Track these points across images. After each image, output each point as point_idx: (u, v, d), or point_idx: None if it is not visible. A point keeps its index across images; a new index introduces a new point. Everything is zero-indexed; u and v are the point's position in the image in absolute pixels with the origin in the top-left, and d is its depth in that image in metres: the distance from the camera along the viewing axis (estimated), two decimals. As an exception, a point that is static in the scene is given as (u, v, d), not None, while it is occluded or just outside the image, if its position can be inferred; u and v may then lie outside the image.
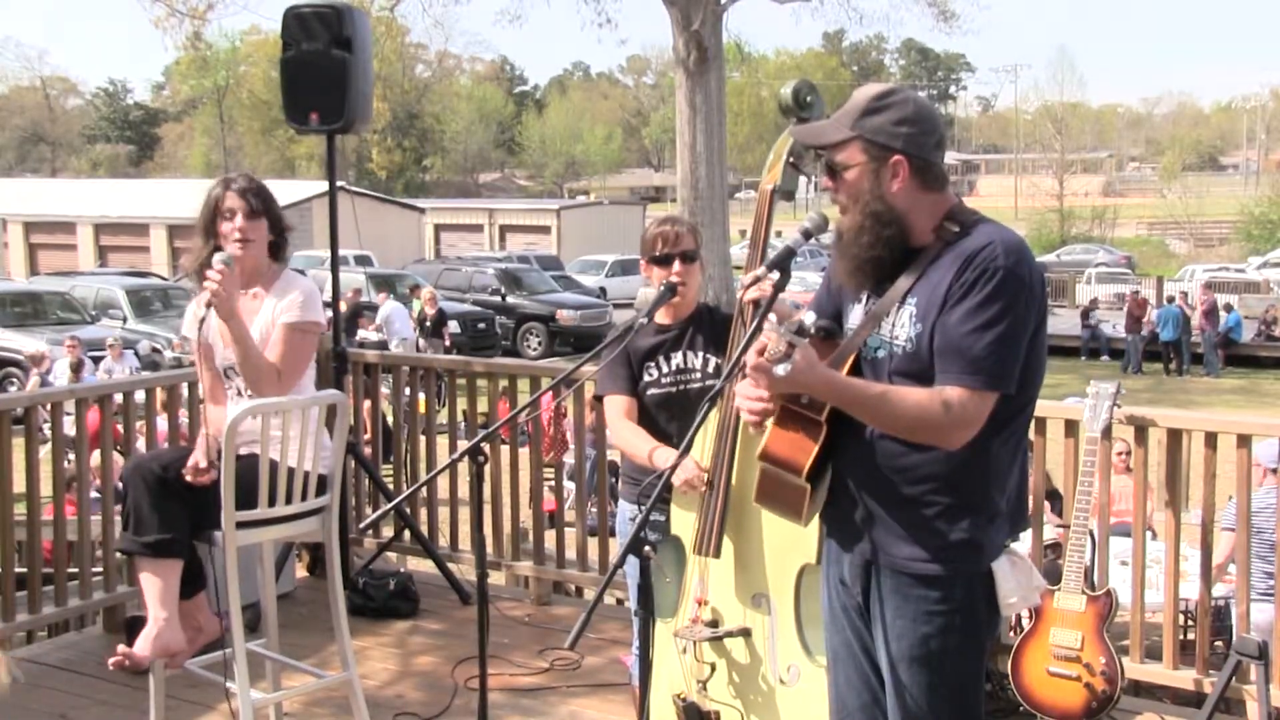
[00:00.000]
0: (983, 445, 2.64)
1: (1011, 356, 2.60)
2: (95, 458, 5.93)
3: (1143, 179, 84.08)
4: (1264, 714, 4.12)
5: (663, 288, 3.78)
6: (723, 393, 2.81)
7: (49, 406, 5.47)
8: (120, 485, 6.11)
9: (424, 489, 6.02)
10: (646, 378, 3.84)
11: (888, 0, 37.43)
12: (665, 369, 3.84)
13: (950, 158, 3.29)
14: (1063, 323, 28.02)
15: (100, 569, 5.43)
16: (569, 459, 10.86)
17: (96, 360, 17.97)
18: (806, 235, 2.90)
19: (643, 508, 2.91)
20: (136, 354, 19.63)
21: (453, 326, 23.50)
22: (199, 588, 4.07)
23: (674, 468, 2.94)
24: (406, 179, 71.95)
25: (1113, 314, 29.84)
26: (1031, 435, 4.46)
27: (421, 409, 6.49)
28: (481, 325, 26.36)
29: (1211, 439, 4.45)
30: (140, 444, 6.35)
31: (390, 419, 7.22)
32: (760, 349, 2.51)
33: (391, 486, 6.38)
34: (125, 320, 22.87)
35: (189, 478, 3.85)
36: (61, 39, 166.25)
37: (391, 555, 6.40)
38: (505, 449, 6.14)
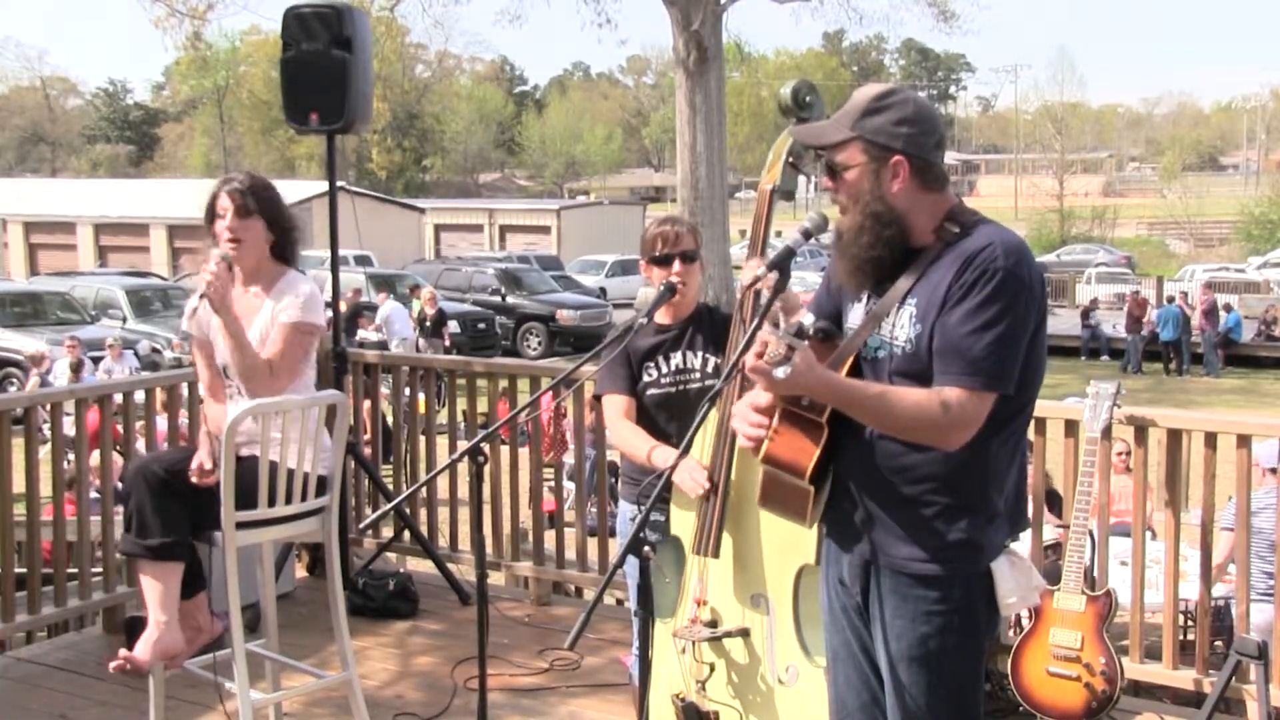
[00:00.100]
0: (982, 445, 2.64)
1: (1011, 357, 2.60)
2: (95, 458, 5.93)
3: (1143, 179, 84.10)
4: (1264, 714, 4.12)
5: (662, 288, 3.78)
6: (722, 393, 2.81)
7: (49, 406, 5.47)
8: (120, 486, 6.13)
9: (424, 489, 6.02)
10: (646, 378, 3.84)
11: (888, 0, 37.43)
12: (665, 369, 3.84)
13: (950, 158, 3.30)
14: (1063, 323, 28.03)
15: (100, 569, 5.43)
16: (569, 459, 10.86)
17: (96, 360, 17.98)
18: (806, 235, 2.90)
19: (643, 508, 2.91)
20: (136, 354, 19.63)
21: (453, 326, 23.50)
22: (199, 588, 4.07)
23: (674, 467, 2.94)
24: (406, 179, 71.97)
25: (1113, 314, 29.86)
26: (1031, 435, 4.46)
27: (421, 409, 6.49)
28: (481, 325, 26.36)
29: (1211, 439, 4.45)
30: (140, 444, 6.35)
31: (390, 419, 7.22)
32: (760, 351, 2.52)
33: (391, 487, 6.38)
34: (125, 320, 22.87)
35: (194, 479, 3.85)
36: (61, 39, 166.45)
37: (391, 555, 6.40)
38: (505, 449, 6.14)
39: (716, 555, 3.44)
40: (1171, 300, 27.43)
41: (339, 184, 6.23)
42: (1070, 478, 4.67)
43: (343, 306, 7.59)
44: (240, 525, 3.81)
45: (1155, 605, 4.98)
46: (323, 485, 4.03)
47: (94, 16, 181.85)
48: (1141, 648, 4.62)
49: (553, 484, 11.01)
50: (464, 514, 4.95)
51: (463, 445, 3.67)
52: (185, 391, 5.66)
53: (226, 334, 3.88)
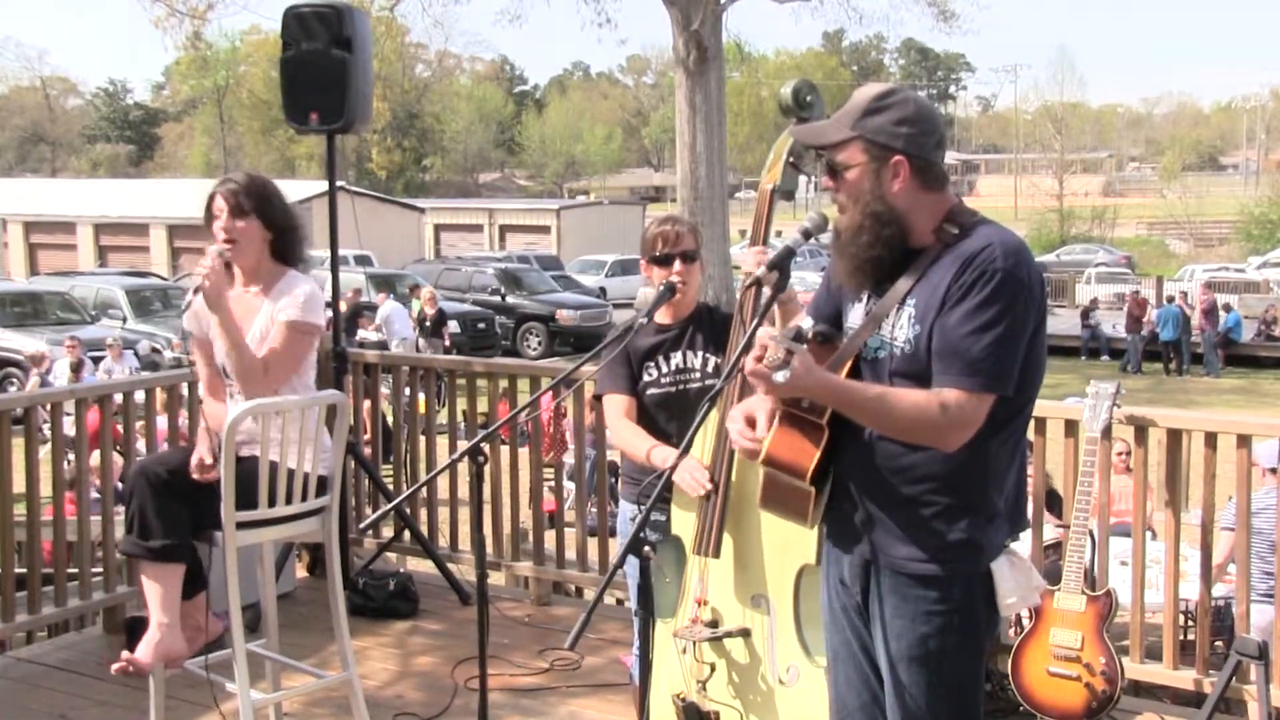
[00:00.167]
0: (981, 446, 2.64)
1: (1010, 358, 2.61)
2: (95, 458, 5.93)
3: (1143, 179, 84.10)
4: (1264, 714, 4.12)
5: (662, 287, 3.78)
6: (722, 393, 2.81)
7: (49, 406, 5.47)
8: (120, 486, 6.13)
9: (424, 489, 6.02)
10: (646, 377, 3.84)
11: (888, 0, 37.43)
12: (665, 369, 3.84)
13: (950, 158, 3.28)
14: (1063, 323, 28.05)
15: (100, 569, 5.43)
16: (569, 459, 10.87)
17: (96, 360, 17.98)
18: (806, 235, 2.90)
19: (643, 508, 2.91)
20: (136, 354, 19.64)
21: (453, 326, 23.51)
22: (200, 588, 4.07)
23: (674, 467, 2.94)
24: (406, 179, 71.98)
25: (1113, 314, 29.86)
26: (1031, 435, 4.46)
27: (421, 409, 6.49)
28: (481, 325, 26.37)
29: (1211, 439, 4.45)
30: (140, 444, 6.35)
31: (390, 419, 7.22)
32: (759, 355, 2.52)
33: (391, 487, 6.38)
34: (125, 320, 22.87)
35: (195, 475, 3.85)
36: (61, 39, 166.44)
37: (391, 555, 6.40)
38: (505, 449, 6.14)
39: (717, 555, 3.44)
40: (1171, 300, 27.44)
41: (339, 184, 6.23)
42: (1070, 478, 4.67)
43: (343, 306, 7.58)
44: (240, 525, 3.81)
45: (1155, 605, 4.98)
46: (323, 485, 4.03)
47: (94, 17, 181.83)
48: (1142, 648, 4.62)
49: (553, 484, 11.01)
50: (464, 514, 4.95)
51: (463, 445, 3.67)
52: (185, 391, 5.66)
53: (222, 331, 3.88)
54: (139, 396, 5.80)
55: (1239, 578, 4.50)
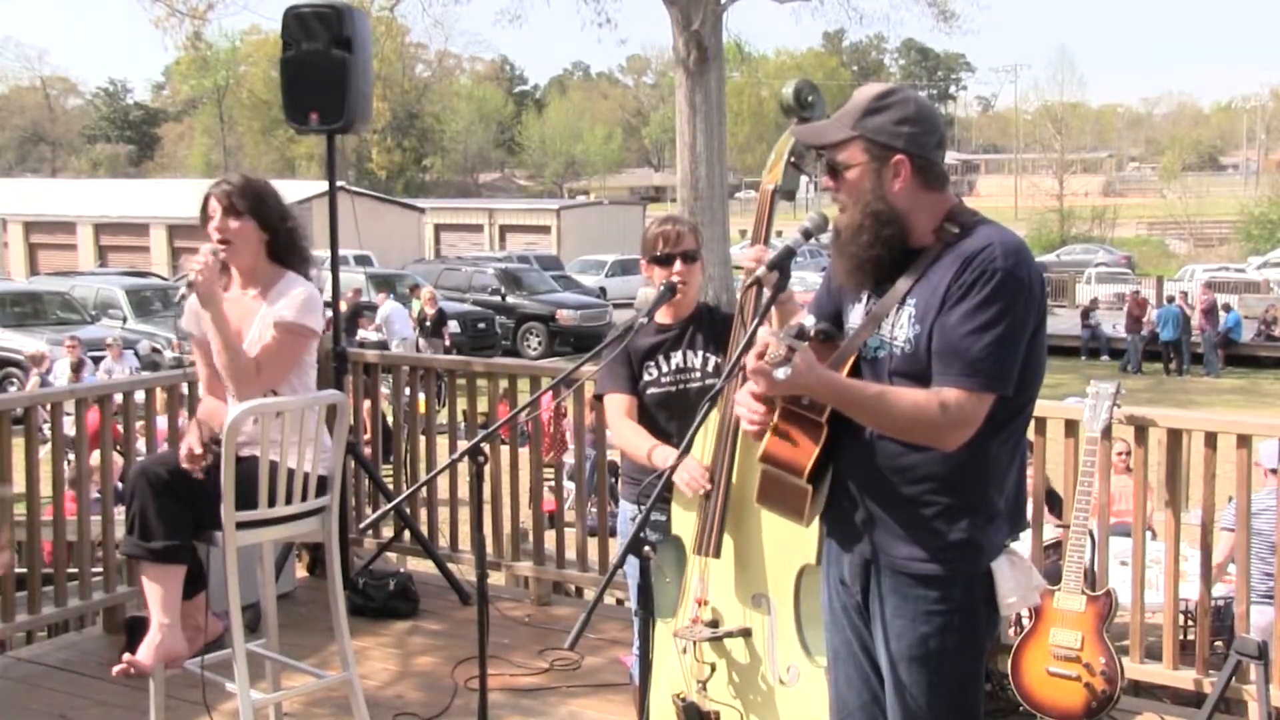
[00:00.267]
0: (981, 446, 2.64)
1: (1010, 358, 2.61)
2: (95, 458, 5.93)
3: (1143, 179, 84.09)
4: (1264, 714, 4.12)
5: (663, 287, 3.78)
6: (723, 392, 2.81)
7: (49, 406, 5.47)
8: (120, 486, 6.14)
9: (424, 489, 6.02)
10: (646, 377, 3.84)
11: (888, 0, 37.42)
12: (665, 368, 3.84)
13: (950, 158, 3.27)
14: (1063, 323, 28.05)
15: (100, 569, 5.43)
16: (569, 459, 10.87)
17: (96, 360, 17.98)
18: (806, 235, 2.90)
19: (643, 507, 2.91)
20: (136, 354, 19.64)
21: (453, 326, 23.51)
22: (200, 588, 4.07)
23: (674, 467, 2.94)
24: (406, 179, 71.99)
25: (1113, 314, 29.86)
26: (1031, 435, 4.46)
27: (421, 409, 6.49)
28: (481, 325, 26.36)
29: (1211, 439, 4.45)
30: (140, 444, 6.35)
31: (390, 419, 7.22)
32: (760, 352, 2.52)
33: (391, 486, 6.38)
34: (125, 320, 22.87)
35: (184, 464, 3.86)
36: (61, 39, 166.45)
37: (391, 555, 6.40)
38: (505, 449, 6.14)
39: (718, 555, 3.44)
40: (1171, 300, 27.44)
41: (339, 184, 6.23)
42: (1070, 478, 4.67)
43: (343, 306, 7.58)
44: (240, 525, 3.80)
45: (1155, 605, 4.98)
46: (323, 485, 4.03)
47: (94, 17, 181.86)
48: (1142, 648, 4.62)
49: (553, 484, 11.01)
50: (464, 514, 4.95)
51: (463, 445, 3.67)
52: (185, 391, 5.66)
53: (214, 329, 3.87)
54: (139, 396, 5.80)
55: (1239, 578, 4.50)
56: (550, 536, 6.43)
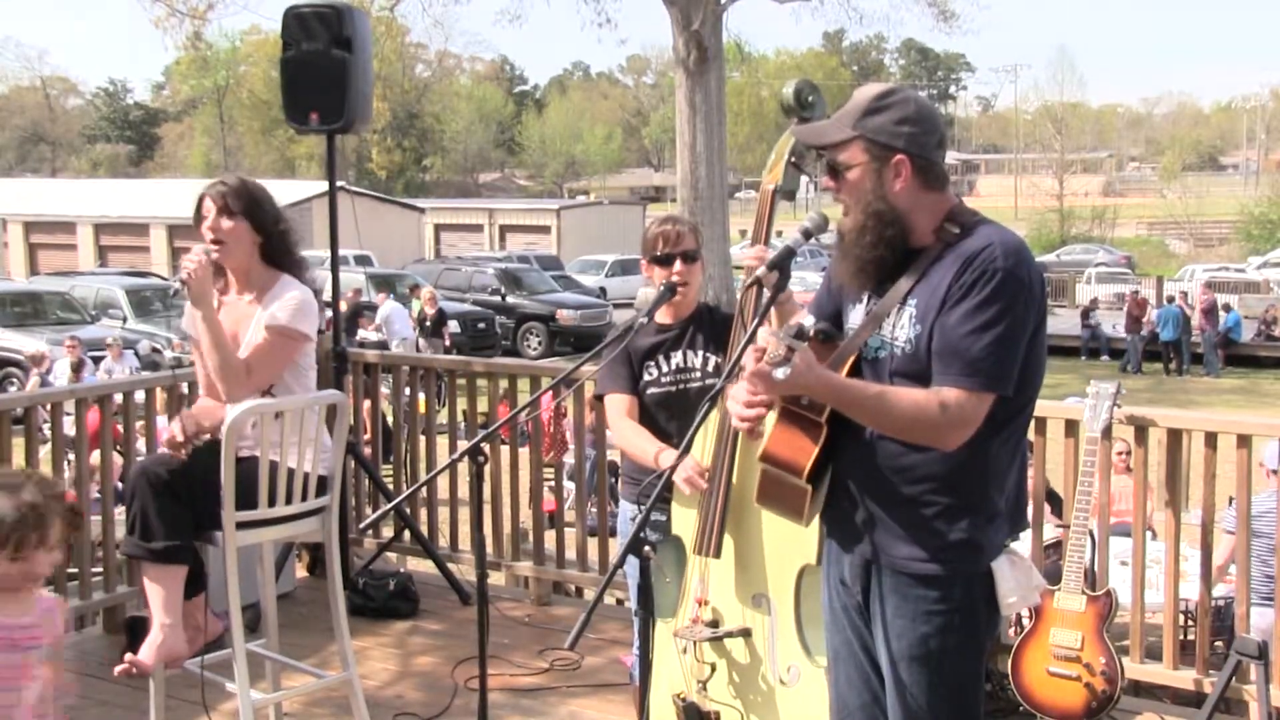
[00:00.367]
0: (982, 446, 2.64)
1: (1010, 358, 2.61)
2: (95, 458, 5.92)
3: (1143, 179, 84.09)
4: (1264, 714, 4.12)
5: (663, 287, 3.78)
6: (723, 392, 2.81)
7: (49, 406, 5.47)
8: (120, 486, 6.13)
9: (424, 489, 6.02)
10: (646, 377, 3.84)
11: (888, 0, 37.41)
12: (665, 368, 3.84)
13: (950, 158, 3.27)
14: (1063, 323, 28.04)
15: (100, 569, 5.43)
16: (569, 459, 10.87)
17: (96, 360, 17.98)
18: (806, 235, 2.90)
19: (643, 508, 2.91)
20: (136, 354, 19.63)
21: (453, 326, 23.51)
22: (200, 588, 4.07)
23: (674, 467, 2.94)
24: (406, 179, 71.98)
25: (1113, 314, 29.85)
26: (1031, 435, 4.46)
27: (421, 409, 6.49)
28: (481, 325, 26.36)
29: (1211, 439, 4.45)
30: (140, 444, 6.35)
31: (390, 419, 7.22)
32: (760, 353, 2.52)
33: (391, 486, 6.38)
34: (125, 320, 22.87)
35: (165, 449, 3.87)
36: (61, 39, 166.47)
37: (391, 555, 6.40)
38: (505, 449, 6.14)
39: (718, 555, 3.44)
40: (1171, 300, 27.43)
41: (339, 184, 6.23)
42: (1070, 478, 4.67)
43: (343, 306, 7.58)
44: (240, 525, 3.81)
45: (1155, 605, 4.98)
46: (323, 485, 4.03)
47: (94, 17, 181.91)
48: (1142, 648, 4.62)
49: (553, 484, 11.01)
50: (464, 514, 4.95)
51: (463, 445, 3.67)
52: (185, 391, 5.66)
53: (205, 327, 3.87)
54: (139, 396, 5.80)
55: (1239, 578, 4.50)
56: (550, 536, 6.43)
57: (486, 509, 5.15)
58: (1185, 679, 4.58)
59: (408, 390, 6.23)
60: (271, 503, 3.84)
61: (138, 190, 47.39)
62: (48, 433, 5.60)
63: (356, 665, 4.23)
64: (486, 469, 3.58)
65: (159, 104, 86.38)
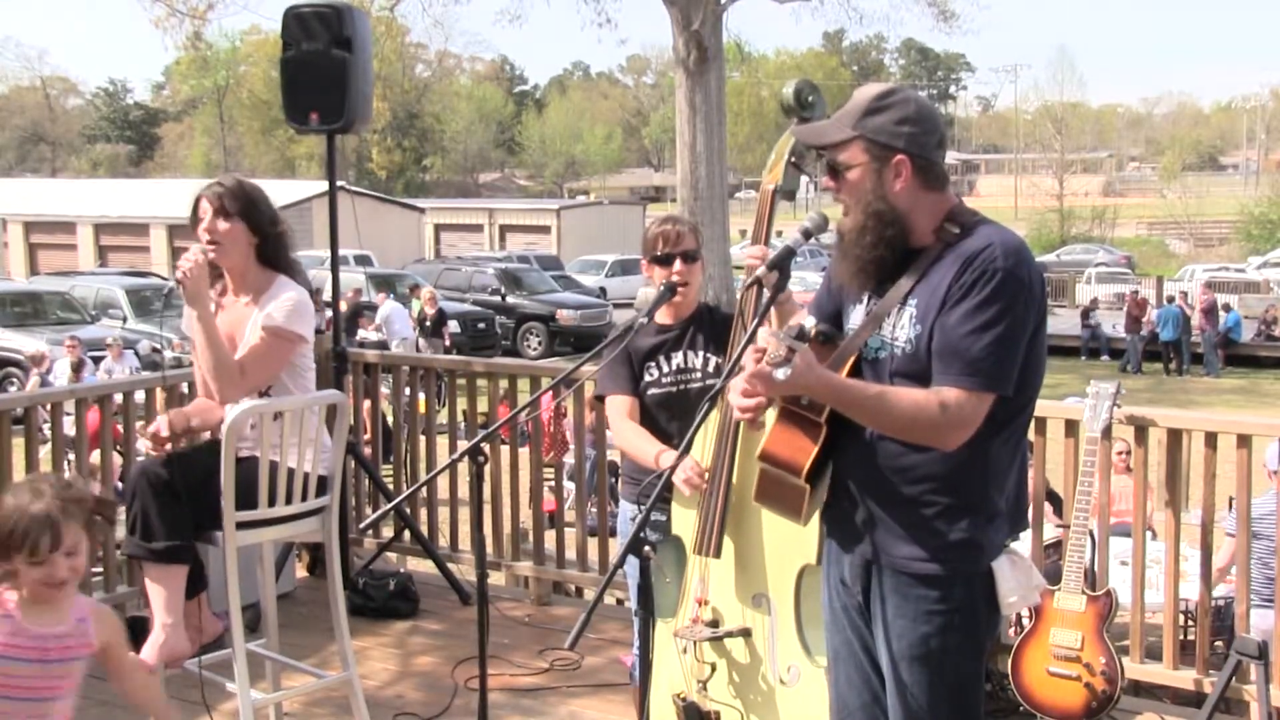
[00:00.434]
0: (982, 445, 2.64)
1: (1009, 358, 2.61)
2: (95, 458, 5.92)
3: (1143, 179, 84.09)
4: (1264, 714, 4.12)
5: (663, 287, 3.78)
6: (723, 392, 2.81)
7: (49, 406, 5.47)
8: (120, 486, 6.13)
9: (424, 489, 6.02)
10: (647, 377, 3.84)
11: (888, 0, 37.40)
12: (666, 369, 3.84)
13: (950, 158, 3.27)
14: (1063, 323, 28.05)
15: (100, 569, 5.43)
16: (569, 459, 10.87)
17: (96, 360, 17.98)
18: (806, 235, 2.90)
19: (643, 508, 2.91)
20: (136, 354, 19.63)
21: (453, 326, 23.51)
22: (200, 588, 4.07)
23: (674, 467, 2.94)
24: (406, 179, 71.98)
25: (1113, 314, 29.85)
26: (1031, 435, 4.46)
27: (421, 409, 6.49)
28: (481, 325, 26.36)
29: (1211, 439, 4.45)
30: (140, 444, 6.35)
31: (390, 419, 7.22)
32: (760, 353, 2.52)
33: (391, 486, 6.38)
34: (125, 320, 22.87)
35: (145, 439, 3.88)
36: (61, 39, 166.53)
37: (391, 555, 6.40)
38: (505, 449, 6.14)
39: (718, 555, 3.44)
40: (1171, 300, 27.43)
41: (339, 184, 6.23)
42: (1070, 478, 4.67)
43: (343, 306, 7.58)
44: (240, 525, 3.81)
45: (1155, 605, 4.98)
46: (323, 485, 4.03)
47: (94, 17, 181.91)
48: (1142, 648, 4.62)
49: (553, 484, 11.01)
50: (464, 514, 4.95)
51: (463, 445, 3.67)
52: (185, 391, 5.66)
53: (200, 327, 3.87)
54: (139, 396, 5.80)
55: (1239, 578, 4.50)
56: (550, 536, 6.43)
57: (486, 509, 5.15)
58: (1185, 679, 4.58)
59: (408, 390, 6.23)
60: (271, 503, 3.84)
61: (138, 190, 47.37)
62: (48, 433, 5.60)
63: (356, 665, 4.24)
64: (486, 469, 3.58)
65: (159, 104, 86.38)
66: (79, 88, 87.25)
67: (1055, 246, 49.70)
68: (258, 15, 72.81)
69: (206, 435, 4.49)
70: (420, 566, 6.51)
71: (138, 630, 4.03)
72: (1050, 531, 5.92)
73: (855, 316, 2.80)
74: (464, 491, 5.56)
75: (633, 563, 3.11)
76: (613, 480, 6.94)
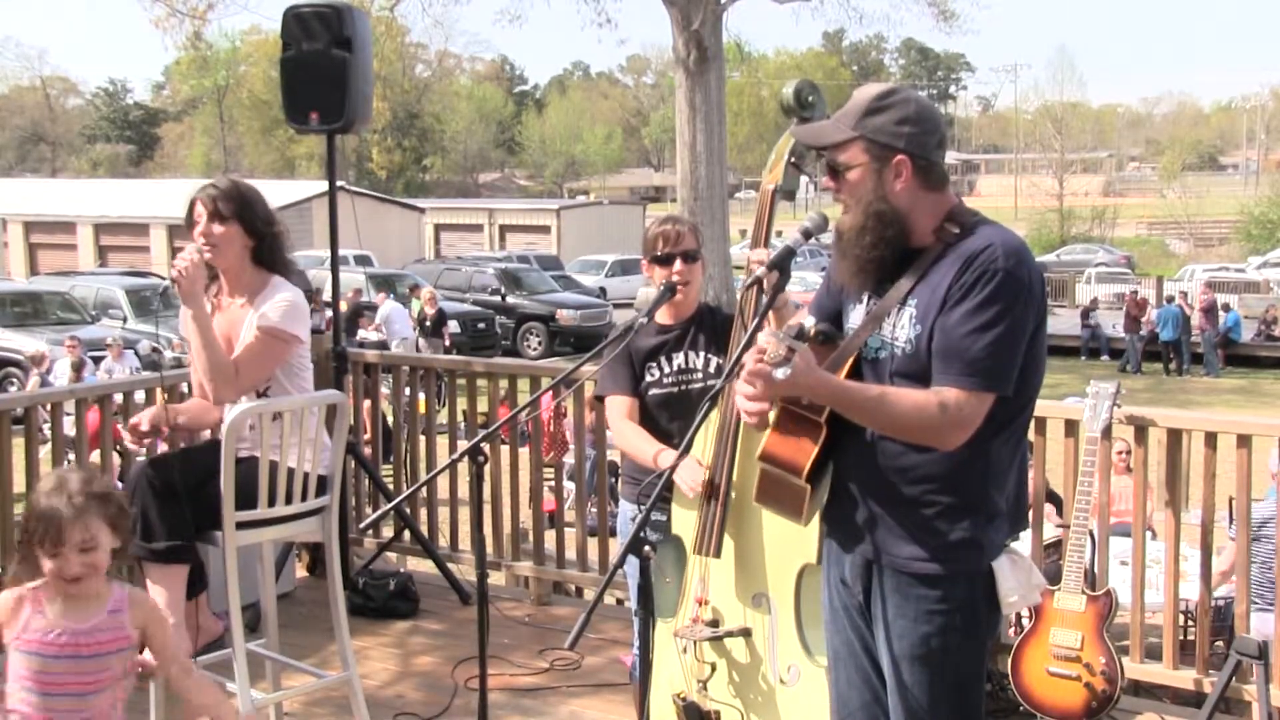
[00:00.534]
0: (982, 445, 2.64)
1: (1009, 358, 2.61)
2: (95, 458, 5.92)
3: (1143, 179, 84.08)
4: (1264, 714, 4.12)
5: (663, 287, 3.78)
6: (723, 392, 2.81)
7: (49, 406, 5.47)
8: (120, 486, 6.12)
9: (424, 489, 6.02)
10: (648, 378, 3.84)
11: (888, 0, 37.39)
12: (667, 369, 3.84)
13: (950, 158, 3.27)
14: (1063, 323, 28.04)
15: (100, 569, 5.42)
16: (569, 459, 10.87)
17: (97, 360, 17.99)
18: (806, 235, 2.91)
19: (643, 508, 2.91)
20: (137, 354, 19.63)
21: (453, 326, 23.51)
22: (200, 588, 4.07)
23: (674, 467, 2.94)
24: (406, 179, 71.98)
25: (1113, 314, 29.83)
26: (1031, 435, 4.46)
27: (421, 409, 6.49)
28: (481, 325, 26.37)
29: (1211, 439, 4.45)
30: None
31: (390, 419, 7.22)
32: (760, 352, 2.52)
33: (391, 486, 6.38)
34: (125, 320, 22.87)
35: (124, 429, 3.88)
36: (61, 39, 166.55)
37: (391, 555, 6.40)
38: (505, 449, 6.14)
39: (718, 555, 3.44)
40: (1171, 300, 27.42)
41: (339, 184, 6.23)
42: (1070, 478, 4.67)
43: (343, 306, 7.58)
44: (240, 525, 3.81)
45: (1155, 605, 4.98)
46: (323, 485, 4.03)
47: (94, 17, 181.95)
48: (1142, 648, 4.62)
49: (553, 484, 11.01)
50: (464, 514, 4.95)
51: (463, 445, 3.67)
52: (185, 391, 5.65)
53: (195, 326, 3.87)
54: (139, 396, 5.80)
55: (1239, 578, 4.50)
56: (550, 536, 6.43)
57: (486, 509, 5.15)
58: (1185, 679, 4.58)
59: (408, 390, 6.23)
60: (271, 503, 3.84)
61: (138, 190, 47.37)
62: (48, 433, 5.60)
63: (356, 665, 4.24)
64: (486, 469, 3.58)
65: (159, 104, 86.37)
66: (79, 88, 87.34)
67: (1055, 246, 49.70)
68: (258, 15, 73.03)
69: (206, 435, 4.49)
70: (420, 566, 6.51)
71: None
72: (1050, 531, 5.92)
73: (855, 316, 2.80)
74: (464, 491, 5.56)
75: (633, 563, 3.11)
76: (613, 480, 6.94)
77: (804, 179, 3.58)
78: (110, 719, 2.90)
